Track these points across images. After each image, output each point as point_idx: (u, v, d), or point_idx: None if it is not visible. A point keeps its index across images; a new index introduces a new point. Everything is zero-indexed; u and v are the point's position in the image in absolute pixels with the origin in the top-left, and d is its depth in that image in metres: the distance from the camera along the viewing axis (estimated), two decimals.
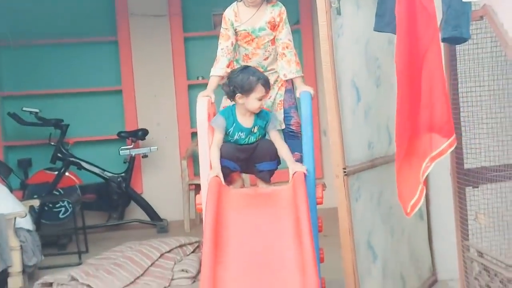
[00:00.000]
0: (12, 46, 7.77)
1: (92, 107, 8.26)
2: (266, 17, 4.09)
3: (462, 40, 3.24)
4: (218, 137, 3.90)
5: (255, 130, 3.94)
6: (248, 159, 3.96)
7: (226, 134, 3.93)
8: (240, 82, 3.85)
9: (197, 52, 8.16)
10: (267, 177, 4.00)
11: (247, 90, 3.84)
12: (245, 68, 3.95)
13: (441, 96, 3.45)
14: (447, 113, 3.48)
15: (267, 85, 3.88)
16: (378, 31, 3.90)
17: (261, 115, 3.95)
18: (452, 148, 3.49)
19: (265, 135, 4.01)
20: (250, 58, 4.15)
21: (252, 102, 3.86)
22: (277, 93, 4.19)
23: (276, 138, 3.95)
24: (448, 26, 3.12)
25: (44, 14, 7.92)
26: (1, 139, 8.00)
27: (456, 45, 3.96)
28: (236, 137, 3.93)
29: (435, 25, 3.21)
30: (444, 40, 3.18)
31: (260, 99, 3.86)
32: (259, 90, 3.84)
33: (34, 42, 8.08)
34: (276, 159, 3.95)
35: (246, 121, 3.92)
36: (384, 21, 3.79)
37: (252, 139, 3.95)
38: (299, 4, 8.23)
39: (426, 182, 4.10)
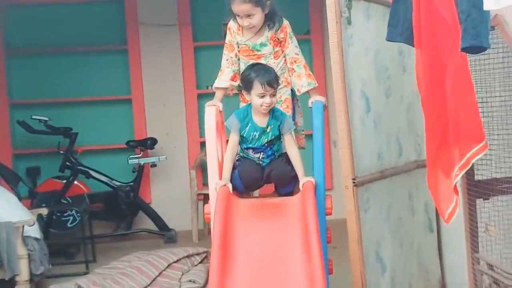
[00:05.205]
0: (21, 54, 7.77)
1: (101, 115, 8.26)
2: (268, 33, 4.01)
3: (481, 49, 3.20)
4: (234, 139, 3.80)
5: (268, 130, 3.82)
6: (263, 179, 3.89)
7: (240, 135, 3.83)
8: (243, 77, 3.83)
9: (207, 62, 8.11)
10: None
11: (247, 87, 3.78)
12: (254, 64, 3.87)
13: (469, 103, 3.40)
14: (476, 118, 3.41)
15: (266, 84, 3.71)
16: (391, 41, 3.87)
17: (276, 115, 3.83)
18: (483, 153, 3.42)
19: (279, 138, 3.87)
20: None
21: (254, 99, 3.76)
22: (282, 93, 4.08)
23: (289, 143, 3.84)
24: (467, 35, 3.08)
25: (54, 22, 7.93)
26: (10, 147, 8.00)
27: (467, 55, 3.93)
28: (250, 137, 3.82)
29: (456, 34, 3.18)
30: (463, 49, 3.14)
31: (261, 97, 3.74)
32: (257, 87, 3.71)
33: (43, 51, 8.09)
34: (293, 180, 3.85)
35: (261, 120, 3.81)
36: (397, 31, 3.76)
37: (264, 139, 3.83)
38: (309, 14, 8.22)
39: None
